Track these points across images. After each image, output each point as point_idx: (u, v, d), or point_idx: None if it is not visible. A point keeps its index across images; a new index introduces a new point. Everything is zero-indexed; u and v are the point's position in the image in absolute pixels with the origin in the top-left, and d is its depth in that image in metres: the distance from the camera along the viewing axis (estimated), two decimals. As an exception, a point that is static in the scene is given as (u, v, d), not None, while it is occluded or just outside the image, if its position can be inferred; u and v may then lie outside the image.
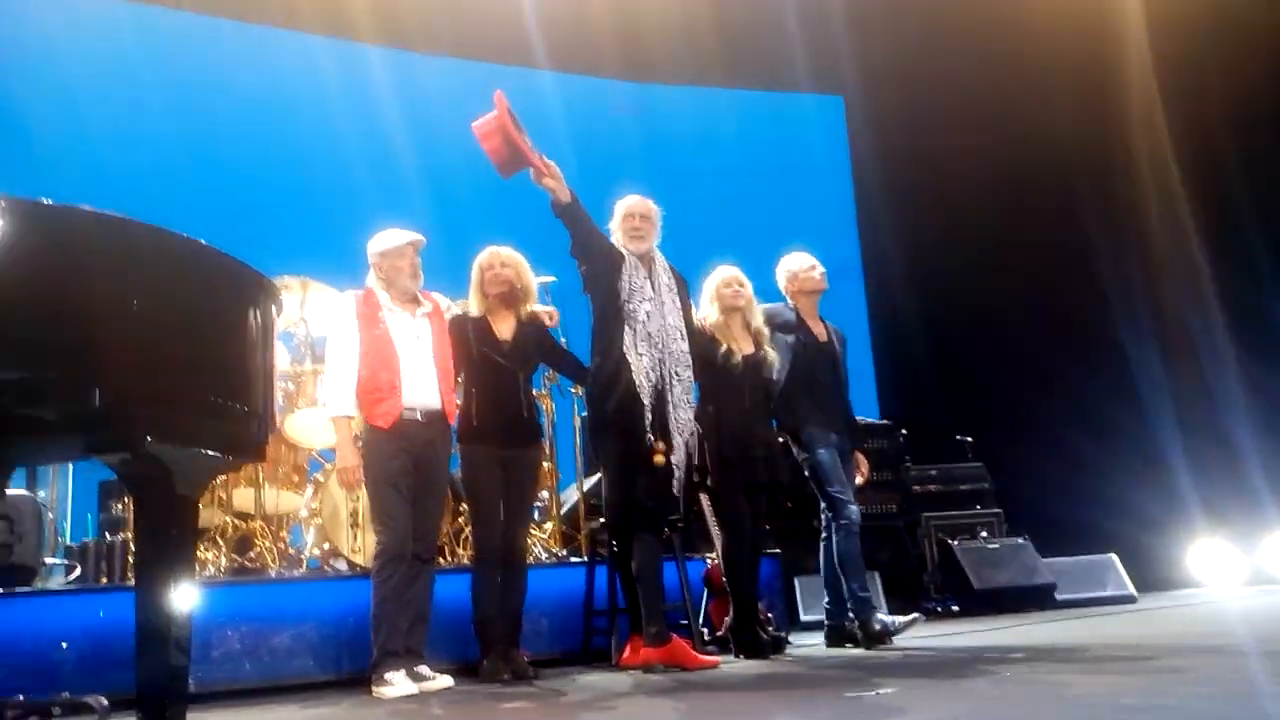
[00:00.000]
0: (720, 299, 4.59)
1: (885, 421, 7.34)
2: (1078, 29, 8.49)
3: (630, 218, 4.33)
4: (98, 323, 2.11)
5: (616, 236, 4.33)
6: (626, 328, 4.10)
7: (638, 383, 4.02)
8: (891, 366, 8.80)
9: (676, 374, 4.14)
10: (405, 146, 8.12)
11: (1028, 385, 8.24)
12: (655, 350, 4.10)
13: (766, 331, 4.64)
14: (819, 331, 4.85)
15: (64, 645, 3.83)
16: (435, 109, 8.40)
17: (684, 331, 4.25)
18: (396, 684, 3.67)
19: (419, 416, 3.94)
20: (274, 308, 2.64)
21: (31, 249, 2.05)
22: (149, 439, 2.21)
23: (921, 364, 8.37)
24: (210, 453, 2.40)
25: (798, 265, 4.90)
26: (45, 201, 2.11)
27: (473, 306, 4.32)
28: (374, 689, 3.72)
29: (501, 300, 4.29)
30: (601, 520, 4.82)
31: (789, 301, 4.89)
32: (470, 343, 4.21)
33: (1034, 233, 8.45)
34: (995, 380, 8.26)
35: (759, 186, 9.45)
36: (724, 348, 4.49)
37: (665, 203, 8.97)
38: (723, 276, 4.66)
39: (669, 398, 4.08)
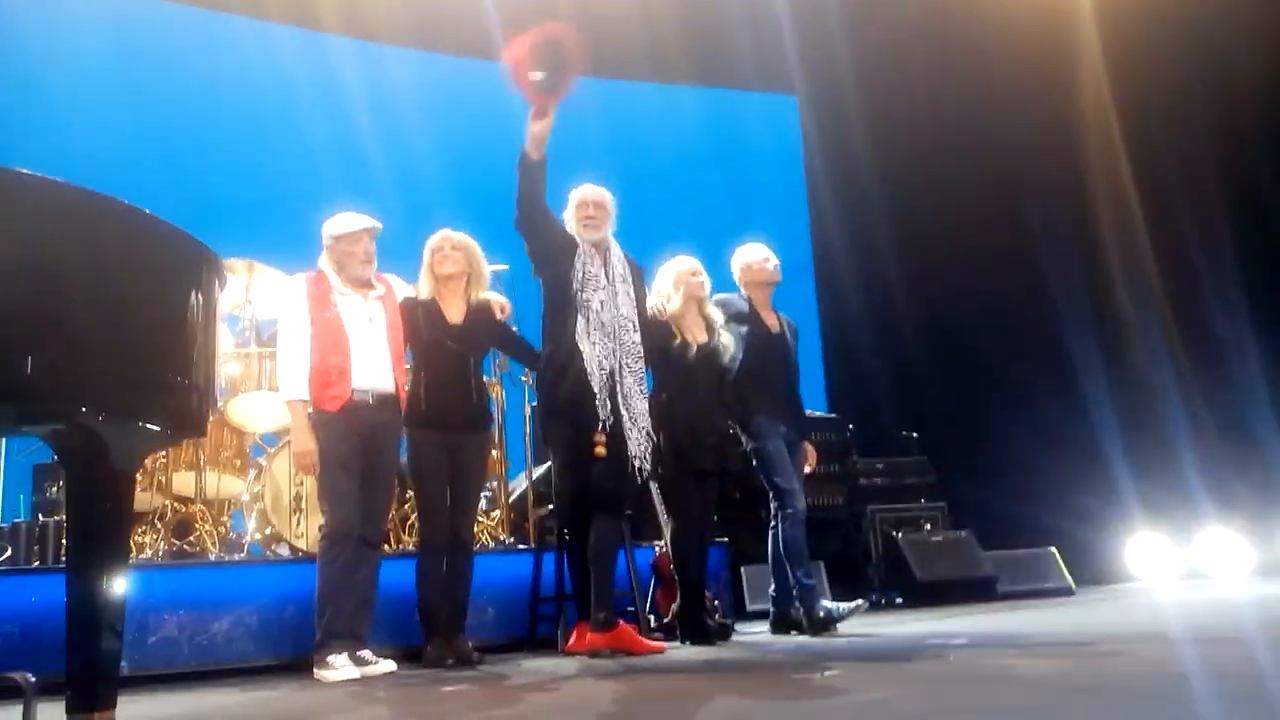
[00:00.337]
0: (687, 287, 4.57)
1: (833, 415, 7.40)
2: (1031, 30, 8.61)
3: (584, 206, 4.30)
4: (30, 289, 2.04)
5: (571, 225, 4.29)
6: (579, 316, 4.07)
7: (589, 371, 3.99)
8: (840, 361, 8.88)
9: (628, 364, 4.12)
10: (360, 134, 8.05)
11: (973, 382, 8.38)
12: (608, 340, 4.07)
13: (720, 319, 4.65)
14: (771, 323, 4.87)
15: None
16: (395, 99, 8.35)
17: (636, 323, 4.22)
18: (338, 667, 3.63)
19: (370, 400, 3.90)
20: (217, 282, 2.58)
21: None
22: (82, 410, 2.15)
23: (870, 359, 8.45)
24: (147, 426, 2.35)
25: (752, 257, 4.92)
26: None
27: (423, 289, 4.27)
28: (316, 672, 3.67)
29: (451, 283, 4.25)
30: (550, 508, 4.81)
31: (742, 292, 4.90)
32: (420, 325, 4.16)
33: (982, 232, 8.55)
34: (941, 376, 8.38)
35: (713, 183, 9.48)
36: (679, 338, 4.50)
37: (621, 197, 8.98)
38: (688, 265, 4.64)
39: (620, 388, 4.05)
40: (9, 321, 1.98)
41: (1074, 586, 6.51)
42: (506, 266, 5.74)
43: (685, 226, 8.99)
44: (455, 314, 4.23)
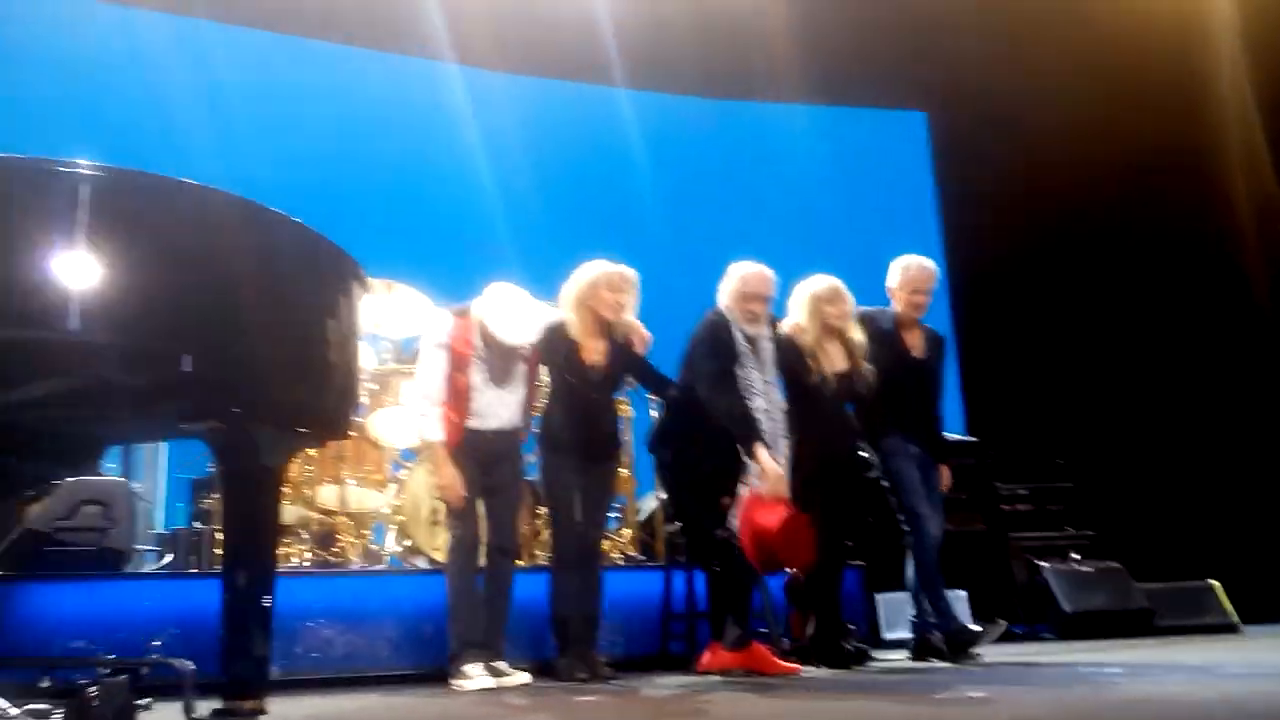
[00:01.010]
0: (822, 318, 4.35)
1: (972, 439, 7.14)
2: (1168, 41, 8.25)
3: (752, 300, 4.17)
4: (190, 291, 2.15)
5: (729, 307, 4.19)
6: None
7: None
8: (981, 383, 8.57)
9: (776, 448, 4.07)
10: (480, 161, 8.27)
11: (1124, 404, 7.97)
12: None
13: (864, 344, 4.42)
14: (914, 344, 4.67)
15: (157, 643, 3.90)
16: (514, 124, 8.54)
17: (782, 407, 4.20)
18: (474, 677, 3.67)
19: (489, 434, 3.97)
20: (363, 293, 2.68)
21: (132, 218, 2.10)
22: (236, 409, 2.25)
23: (1012, 381, 8.14)
24: (295, 425, 2.44)
25: (911, 272, 4.64)
26: (148, 172, 2.17)
27: (570, 317, 4.11)
28: (451, 681, 3.72)
29: (604, 322, 4.14)
30: (680, 524, 4.78)
31: (893, 305, 4.68)
32: (560, 366, 4.12)
33: (1127, 247, 8.19)
34: (1090, 399, 8.00)
35: (841, 203, 9.34)
36: (816, 375, 4.30)
37: (744, 220, 8.99)
38: (824, 291, 4.38)
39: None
40: (173, 322, 2.10)
41: (1238, 622, 6.07)
42: (638, 284, 5.80)
43: (808, 250, 8.95)
44: (596, 353, 4.13)
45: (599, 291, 4.08)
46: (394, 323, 5.48)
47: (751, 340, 4.16)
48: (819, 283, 4.42)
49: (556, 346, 4.10)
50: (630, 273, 4.17)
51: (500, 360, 3.98)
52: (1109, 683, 3.07)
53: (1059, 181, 8.29)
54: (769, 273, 4.24)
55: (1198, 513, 7.38)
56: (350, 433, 5.01)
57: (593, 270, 4.13)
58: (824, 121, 9.69)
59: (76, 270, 1.97)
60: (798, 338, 4.34)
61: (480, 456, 3.96)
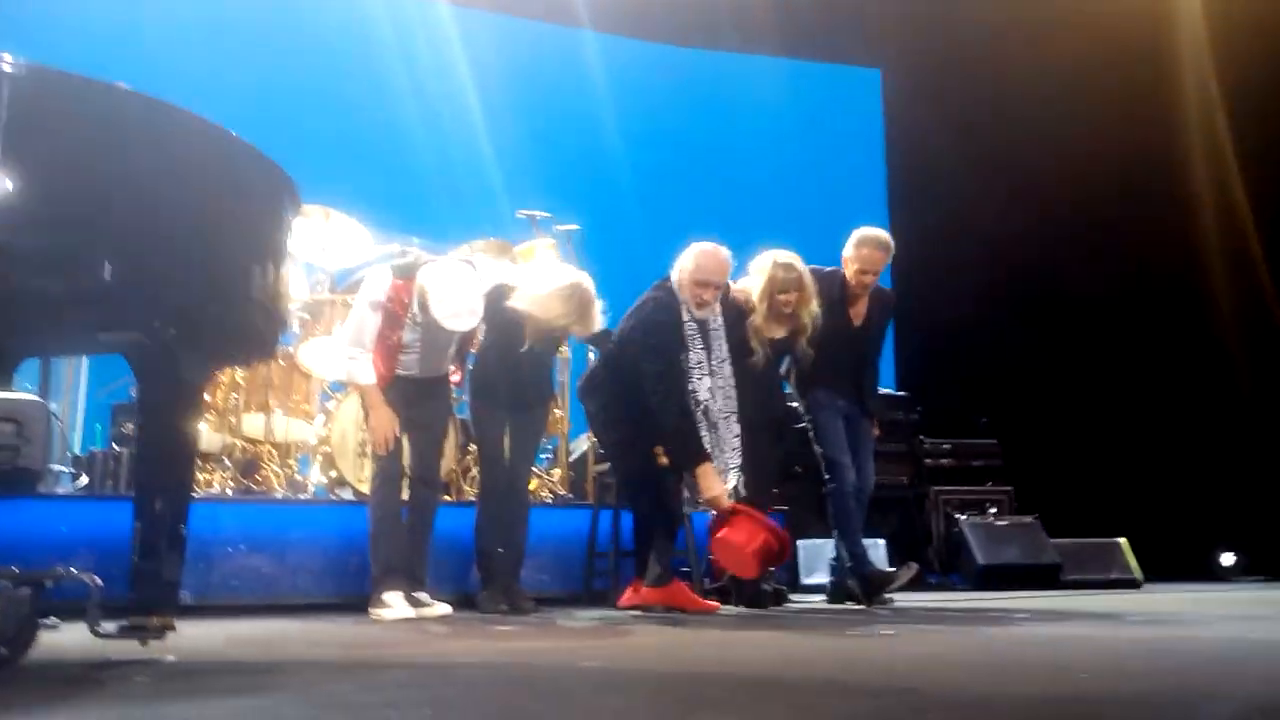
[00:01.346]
0: (773, 304, 4.30)
1: (902, 393, 7.27)
2: (1130, 8, 8.33)
3: (704, 286, 4.11)
4: (112, 197, 2.07)
5: (680, 285, 4.15)
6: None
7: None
8: (912, 340, 8.69)
9: (727, 427, 4.15)
10: (436, 94, 8.10)
11: (1049, 366, 8.16)
12: (714, 433, 4.09)
13: (812, 324, 4.39)
14: (857, 312, 4.69)
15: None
16: (474, 61, 8.38)
17: (732, 380, 4.21)
18: (394, 606, 3.67)
19: (415, 376, 3.96)
20: (294, 208, 2.61)
21: (54, 118, 2.02)
22: (157, 320, 2.19)
23: (942, 339, 8.28)
24: (220, 342, 2.39)
25: (867, 258, 4.59)
26: (73, 73, 2.08)
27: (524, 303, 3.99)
28: (371, 611, 3.72)
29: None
30: (608, 465, 4.82)
31: (844, 269, 4.64)
32: (495, 325, 4.12)
33: (1063, 213, 8.32)
34: (1016, 359, 8.17)
35: (794, 155, 9.38)
36: (756, 354, 4.32)
37: (701, 166, 8.97)
38: (782, 278, 4.29)
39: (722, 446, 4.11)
40: (90, 226, 2.02)
41: (1141, 578, 6.31)
42: (577, 226, 5.76)
43: (761, 198, 8.98)
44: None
45: (552, 304, 3.93)
46: (330, 252, 5.38)
47: (700, 321, 4.17)
48: (780, 268, 4.30)
49: (500, 310, 4.00)
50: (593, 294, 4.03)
51: (435, 330, 3.89)
52: (1014, 624, 3.18)
53: (1006, 142, 8.39)
54: (725, 256, 4.17)
55: (1112, 473, 7.62)
56: (278, 358, 4.96)
57: (561, 278, 4.04)
58: (784, 74, 9.69)
59: (-9, 169, 1.89)
60: (745, 308, 4.33)
61: (408, 395, 3.94)
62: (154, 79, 2.29)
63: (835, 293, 4.61)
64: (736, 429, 4.18)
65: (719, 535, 3.90)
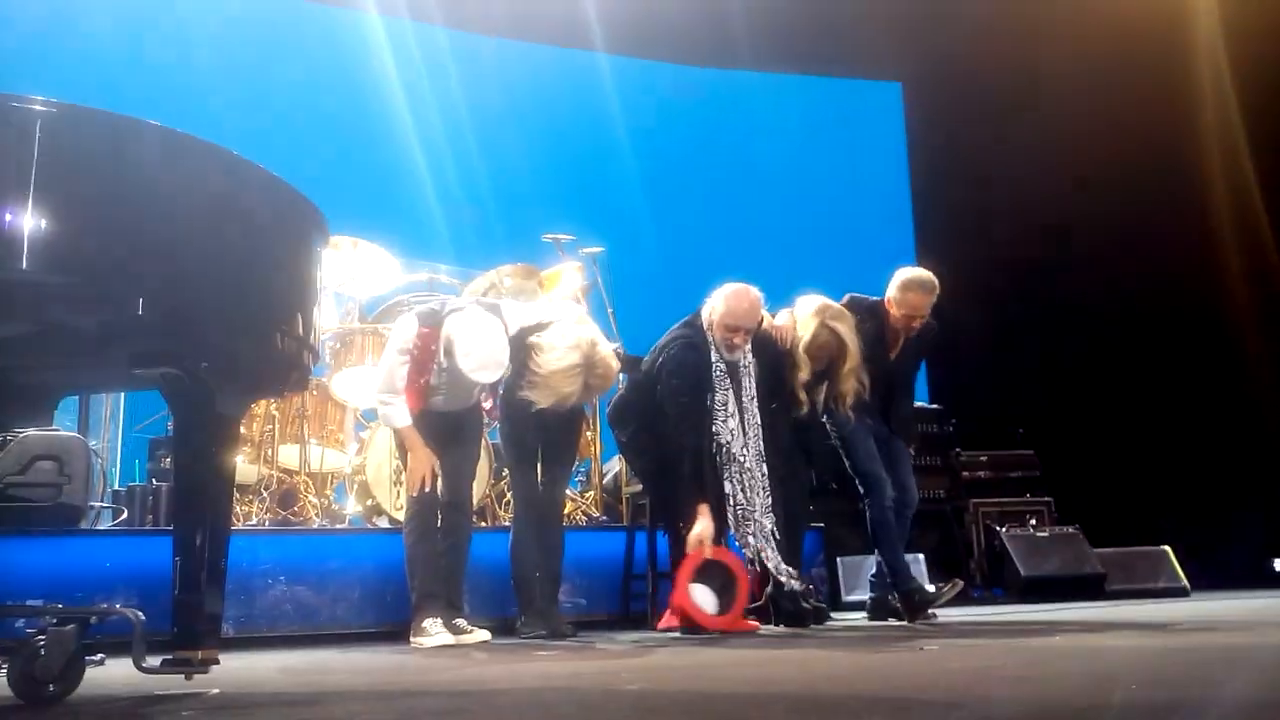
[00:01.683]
0: (814, 362, 4.27)
1: (935, 406, 7.22)
2: (1146, 19, 8.27)
3: (735, 331, 4.11)
4: (145, 233, 2.10)
5: (710, 326, 4.16)
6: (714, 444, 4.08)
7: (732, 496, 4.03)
8: (945, 353, 8.64)
9: (762, 487, 4.13)
10: (460, 121, 8.19)
11: (1084, 375, 8.07)
12: (742, 475, 4.08)
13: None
14: (894, 346, 4.66)
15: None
16: (494, 87, 8.47)
17: (758, 421, 4.18)
18: (434, 634, 3.67)
19: (446, 410, 4.00)
20: (323, 241, 2.64)
21: (85, 157, 2.05)
22: (191, 355, 2.22)
23: (974, 351, 8.20)
24: (254, 375, 2.41)
25: (914, 302, 4.51)
26: (105, 111, 2.12)
27: (540, 316, 4.11)
28: (412, 639, 3.72)
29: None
30: (641, 486, 4.80)
31: (885, 306, 4.59)
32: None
33: (1094, 221, 8.25)
34: (1051, 369, 8.09)
35: (816, 172, 9.38)
36: (801, 408, 4.31)
37: (720, 187, 8.98)
38: (822, 340, 4.22)
39: (753, 519, 4.09)
40: (122, 263, 2.05)
41: (1188, 586, 6.19)
42: (601, 249, 5.78)
43: (784, 217, 8.97)
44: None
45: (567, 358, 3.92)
46: (359, 281, 5.43)
47: (730, 363, 4.16)
48: (825, 329, 4.21)
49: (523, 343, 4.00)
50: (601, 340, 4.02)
51: (460, 376, 3.86)
52: (1059, 635, 3.13)
53: (1030, 154, 8.34)
54: (756, 299, 4.15)
55: (1153, 481, 7.50)
56: (310, 389, 5.00)
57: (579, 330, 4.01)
58: (801, 91, 9.71)
59: (27, 209, 1.92)
60: (780, 345, 4.28)
61: (438, 427, 3.97)
62: (173, 113, 2.33)
63: (874, 330, 4.55)
64: (765, 471, 4.15)
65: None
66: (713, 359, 4.12)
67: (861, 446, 4.51)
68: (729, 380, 4.15)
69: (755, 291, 4.17)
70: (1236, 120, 8.14)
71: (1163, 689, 1.85)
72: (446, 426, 4.00)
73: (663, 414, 4.04)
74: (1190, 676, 2.05)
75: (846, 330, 4.21)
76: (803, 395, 4.25)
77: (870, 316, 4.56)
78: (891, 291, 4.59)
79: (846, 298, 4.64)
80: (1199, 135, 8.34)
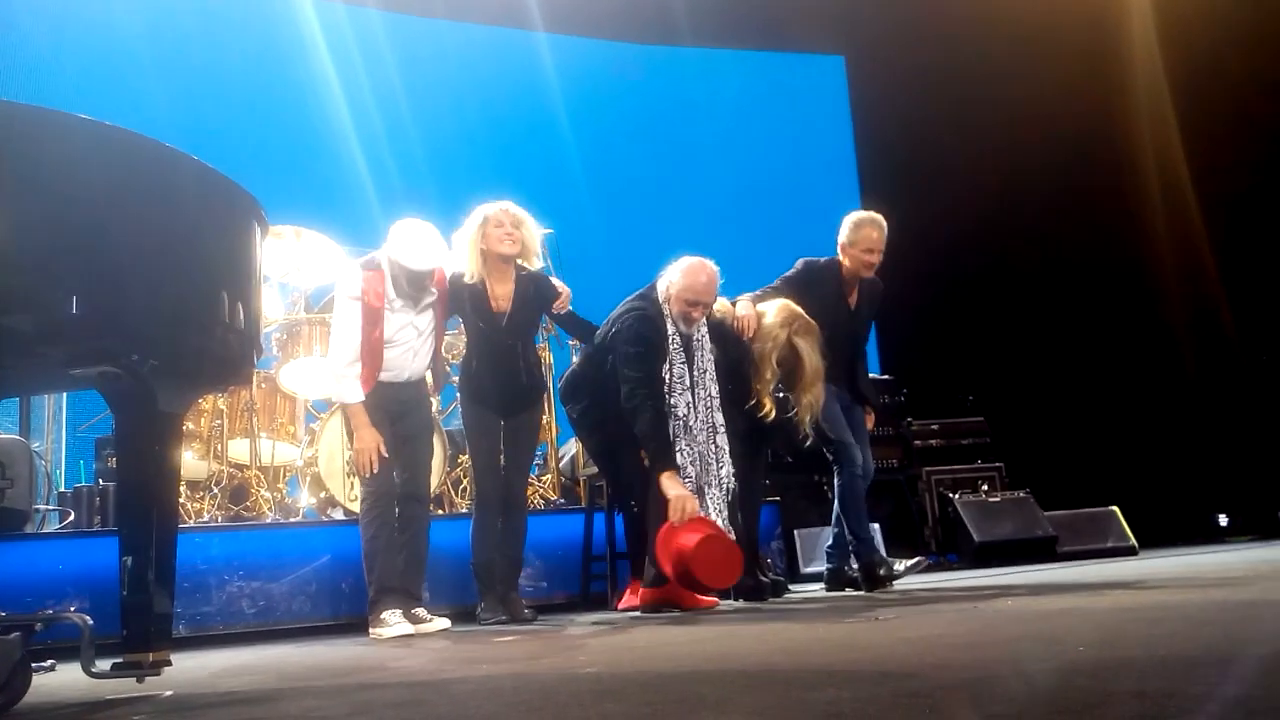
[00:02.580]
0: (775, 368, 4.25)
1: (887, 376, 7.30)
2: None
3: (694, 306, 4.09)
4: (74, 229, 2.05)
5: (667, 299, 4.13)
6: (670, 417, 4.03)
7: (683, 470, 3.96)
8: (893, 323, 8.73)
9: (716, 459, 4.10)
10: (399, 106, 8.09)
11: (1031, 341, 8.22)
12: (694, 447, 4.05)
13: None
14: (852, 299, 4.71)
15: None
16: (432, 70, 8.36)
17: (717, 399, 4.17)
18: (393, 624, 3.65)
19: (398, 381, 3.93)
20: (262, 231, 2.58)
21: (10, 152, 1.99)
22: (128, 352, 2.17)
23: (924, 320, 8.31)
24: (195, 371, 2.37)
25: (868, 237, 4.58)
26: (26, 104, 2.05)
27: (469, 263, 4.02)
28: (371, 630, 3.70)
29: (503, 262, 4.07)
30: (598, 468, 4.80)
31: (838, 256, 4.64)
32: (467, 313, 4.10)
33: (1037, 191, 8.38)
34: (998, 336, 8.23)
35: (761, 147, 9.40)
36: (766, 411, 4.25)
37: (664, 164, 8.96)
38: (783, 356, 4.21)
39: (706, 493, 4.04)
40: (54, 261, 2.00)
41: (1137, 545, 6.34)
42: (550, 230, 5.73)
43: (731, 195, 8.98)
44: (503, 297, 4.08)
45: (487, 230, 4.03)
46: (303, 271, 5.36)
47: (685, 336, 4.15)
48: (789, 346, 4.20)
49: (461, 293, 4.05)
50: (514, 207, 4.10)
51: (413, 304, 3.90)
52: (1012, 600, 3.19)
53: (974, 120, 8.43)
54: (714, 273, 4.14)
55: (1100, 443, 7.66)
56: (258, 382, 4.93)
57: (477, 213, 4.07)
58: (744, 66, 9.70)
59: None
60: (734, 331, 4.28)
61: (391, 407, 3.91)
62: (102, 104, 2.27)
63: (832, 282, 4.61)
64: (725, 443, 4.15)
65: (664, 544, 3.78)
66: (669, 331, 4.12)
67: (832, 414, 4.52)
68: (684, 354, 4.14)
69: (712, 265, 4.16)
70: (1164, 86, 8.31)
71: (1109, 649, 1.89)
72: (399, 408, 3.93)
73: (615, 389, 4.01)
74: (1135, 635, 2.10)
75: (809, 347, 4.18)
76: (768, 401, 4.22)
77: (824, 273, 4.61)
78: (844, 236, 4.62)
79: (800, 263, 4.66)
80: (1133, 104, 8.52)
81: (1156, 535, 6.87)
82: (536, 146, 8.51)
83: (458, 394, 4.37)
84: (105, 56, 7.05)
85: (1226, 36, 7.90)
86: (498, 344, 4.09)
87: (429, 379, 4.19)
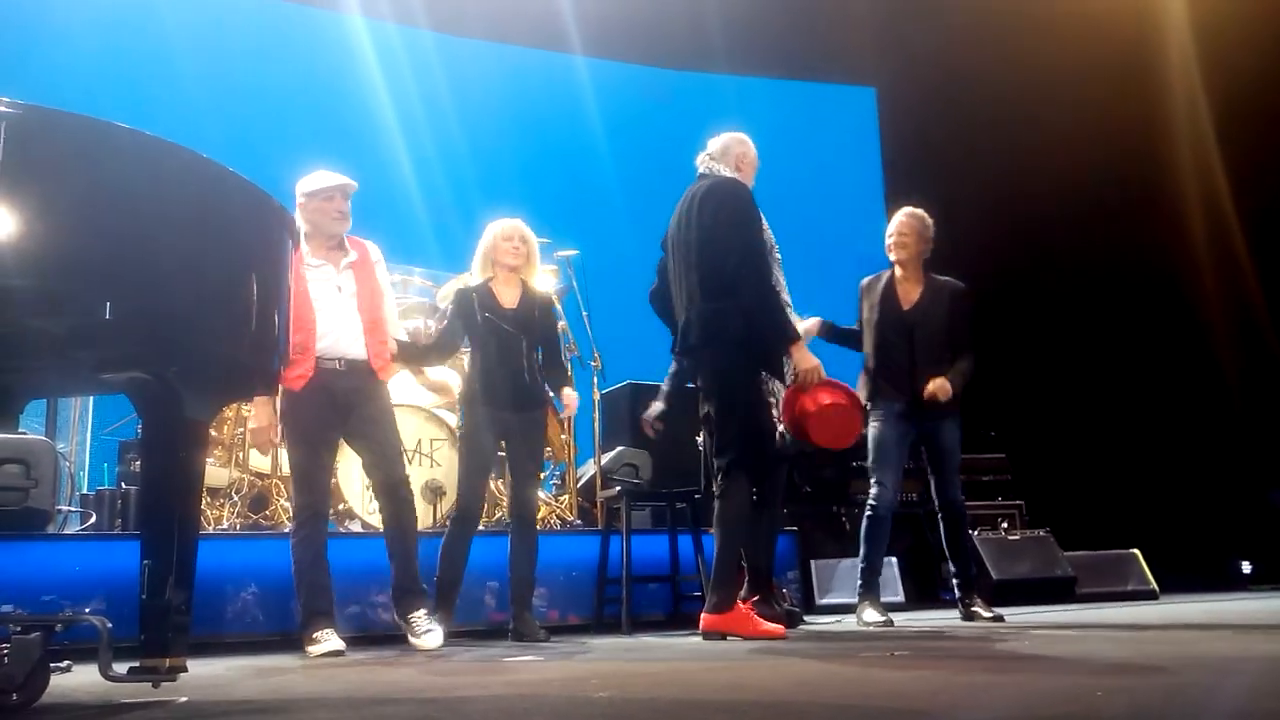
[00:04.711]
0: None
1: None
2: (1118, 21, 8.37)
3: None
4: (112, 235, 2.08)
5: (747, 177, 4.17)
6: (775, 269, 3.95)
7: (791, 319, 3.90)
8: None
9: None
10: (428, 121, 8.19)
11: (1056, 379, 8.16)
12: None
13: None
14: (908, 296, 4.72)
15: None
16: (472, 89, 8.44)
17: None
18: (324, 641, 3.61)
19: (339, 365, 3.83)
20: (292, 243, 2.62)
21: (52, 159, 2.03)
22: (158, 358, 2.20)
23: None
24: (222, 378, 2.39)
25: (895, 222, 4.89)
26: (73, 113, 2.09)
27: (477, 272, 4.36)
28: (306, 648, 3.65)
29: (509, 272, 4.32)
30: (617, 489, 4.80)
31: (890, 257, 4.82)
32: (475, 312, 4.22)
33: (1065, 226, 8.35)
34: (1022, 373, 8.17)
35: (790, 176, 9.40)
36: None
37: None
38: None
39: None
40: (90, 267, 2.03)
41: (1157, 589, 6.26)
42: (576, 251, 5.78)
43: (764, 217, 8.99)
44: (510, 298, 4.28)
45: (497, 243, 4.30)
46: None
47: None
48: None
49: (468, 297, 4.25)
50: (522, 224, 4.37)
51: (328, 257, 3.92)
52: (1027, 640, 3.16)
53: (1002, 154, 8.42)
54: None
55: (1123, 484, 7.59)
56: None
57: (491, 226, 4.37)
58: (776, 94, 9.74)
59: (-9, 212, 1.90)
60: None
61: (336, 398, 3.81)
62: (143, 113, 2.31)
63: (880, 289, 4.75)
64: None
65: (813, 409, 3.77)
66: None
67: (877, 448, 4.62)
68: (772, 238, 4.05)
69: None
70: (1206, 120, 8.25)
71: (1127, 695, 1.87)
72: (346, 396, 3.82)
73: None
74: (1157, 683, 2.08)
75: None
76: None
77: (876, 284, 4.79)
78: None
79: (864, 282, 4.86)
80: (1170, 136, 8.45)
81: (1178, 580, 6.78)
82: (569, 168, 8.58)
83: (460, 404, 4.45)
84: (159, 68, 7.18)
85: (1265, 51, 7.84)
86: (504, 337, 4.19)
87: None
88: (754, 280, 3.76)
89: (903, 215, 4.86)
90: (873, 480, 4.62)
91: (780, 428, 4.12)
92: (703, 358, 3.86)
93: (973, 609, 4.63)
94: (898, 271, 4.78)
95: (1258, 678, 2.12)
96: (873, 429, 4.63)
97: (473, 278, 4.41)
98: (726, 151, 4.18)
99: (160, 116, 6.40)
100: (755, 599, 4.33)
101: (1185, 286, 8.32)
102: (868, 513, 4.63)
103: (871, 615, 4.43)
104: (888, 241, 4.82)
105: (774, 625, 3.82)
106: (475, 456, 4.15)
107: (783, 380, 3.95)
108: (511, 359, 4.19)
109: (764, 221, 4.00)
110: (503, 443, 4.29)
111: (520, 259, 4.31)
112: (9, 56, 6.58)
